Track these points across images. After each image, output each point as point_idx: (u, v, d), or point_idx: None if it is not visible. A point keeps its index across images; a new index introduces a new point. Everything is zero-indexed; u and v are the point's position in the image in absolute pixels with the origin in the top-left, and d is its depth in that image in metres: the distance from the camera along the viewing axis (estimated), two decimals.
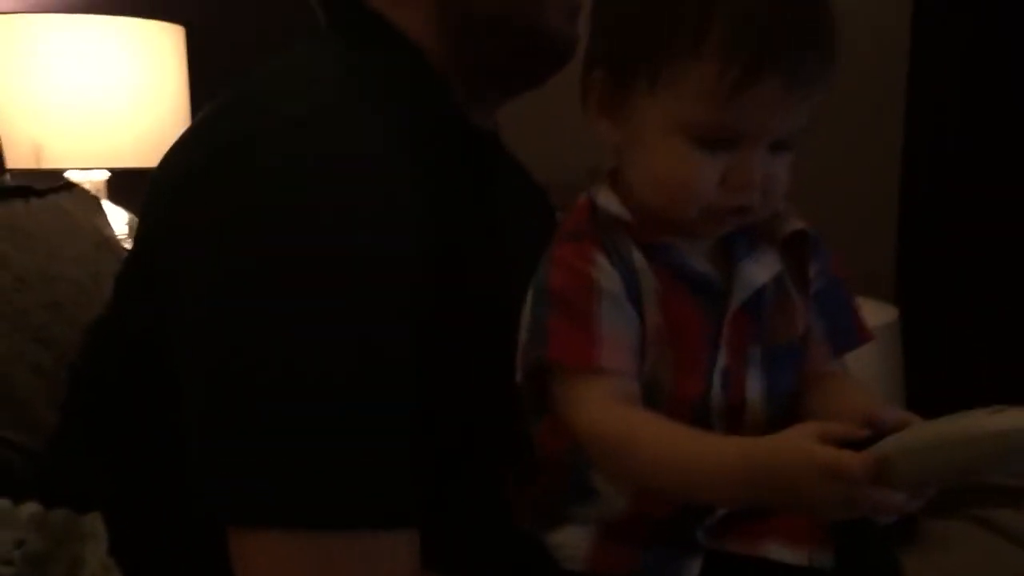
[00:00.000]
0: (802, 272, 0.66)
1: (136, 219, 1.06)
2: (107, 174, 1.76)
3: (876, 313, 1.91)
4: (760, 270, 0.64)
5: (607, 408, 0.59)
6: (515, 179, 0.85)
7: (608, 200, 0.64)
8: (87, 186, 1.67)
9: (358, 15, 0.75)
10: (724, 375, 0.62)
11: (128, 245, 1.15)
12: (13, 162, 1.61)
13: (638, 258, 0.62)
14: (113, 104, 1.67)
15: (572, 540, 0.63)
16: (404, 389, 0.62)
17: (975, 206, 2.05)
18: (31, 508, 0.70)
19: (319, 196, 0.61)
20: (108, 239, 1.15)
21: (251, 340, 0.60)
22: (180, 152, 0.69)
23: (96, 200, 1.23)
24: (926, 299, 2.06)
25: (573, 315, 0.60)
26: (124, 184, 1.76)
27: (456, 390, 0.65)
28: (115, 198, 1.73)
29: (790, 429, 0.55)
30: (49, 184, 1.14)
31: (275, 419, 0.60)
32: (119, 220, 1.58)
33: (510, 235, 0.74)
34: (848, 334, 0.68)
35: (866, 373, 1.86)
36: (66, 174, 1.71)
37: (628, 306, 0.61)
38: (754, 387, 0.63)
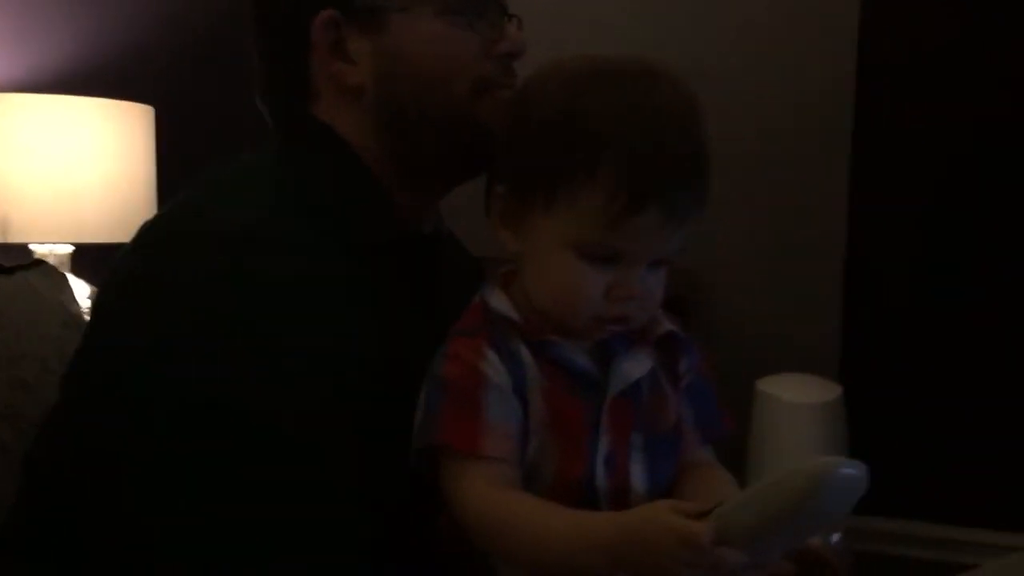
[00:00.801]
0: (673, 368, 0.73)
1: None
2: (71, 248, 1.79)
3: (821, 390, 1.98)
4: (635, 366, 0.71)
5: (488, 492, 0.65)
6: (455, 272, 0.90)
7: (499, 302, 0.71)
8: (51, 259, 1.70)
9: (303, 122, 0.81)
10: (608, 460, 0.69)
11: None
12: None
13: (525, 353, 0.69)
14: (81, 180, 1.70)
15: None
16: (336, 484, 0.67)
17: (918, 283, 2.12)
18: None
19: (250, 314, 0.66)
20: (74, 316, 1.17)
21: (182, 441, 0.64)
22: (125, 257, 0.74)
23: (63, 277, 1.26)
24: (870, 375, 2.12)
25: (462, 404, 0.66)
26: (88, 258, 1.78)
27: (380, 479, 0.69)
28: (79, 271, 1.75)
29: (652, 504, 0.62)
30: (16, 261, 1.17)
31: (204, 516, 0.64)
32: (83, 294, 1.60)
33: (442, 326, 0.79)
34: (714, 424, 0.76)
35: (812, 448, 1.92)
36: (31, 247, 1.73)
37: (513, 398, 0.67)
38: (637, 472, 0.70)
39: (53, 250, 1.74)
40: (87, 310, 1.49)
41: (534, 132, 0.69)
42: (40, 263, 1.23)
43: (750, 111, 2.14)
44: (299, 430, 0.66)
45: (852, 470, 0.55)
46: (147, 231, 0.75)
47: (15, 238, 1.67)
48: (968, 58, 2.02)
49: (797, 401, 1.93)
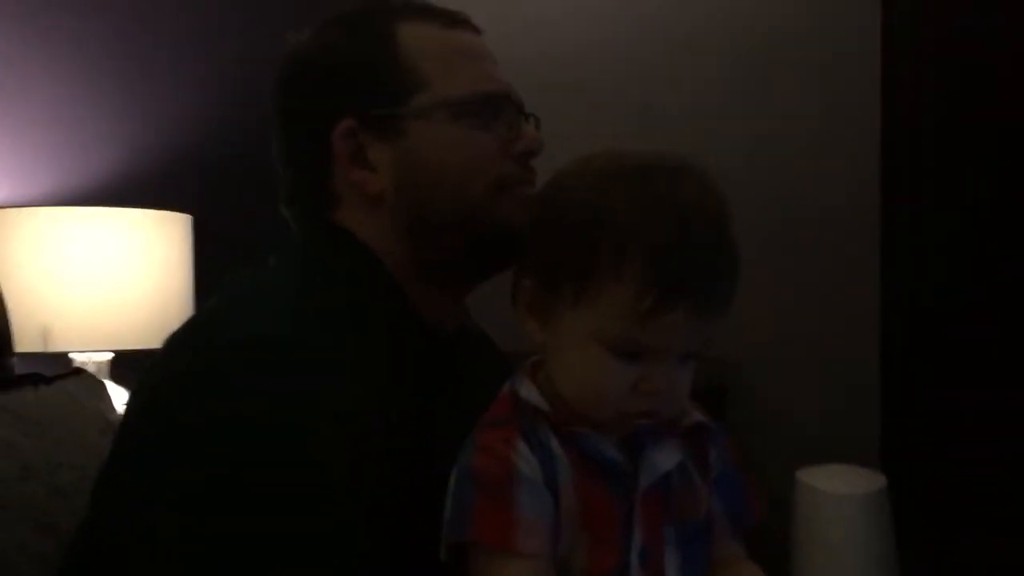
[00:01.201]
0: (703, 459, 0.73)
1: None
2: (110, 355, 1.82)
3: (865, 480, 1.93)
4: (665, 458, 0.70)
5: None
6: (481, 367, 0.90)
7: (529, 392, 0.71)
8: (91, 366, 1.72)
9: (325, 228, 0.83)
10: (642, 553, 0.67)
11: None
12: (21, 346, 1.66)
13: (555, 445, 0.68)
14: (119, 289, 1.73)
15: None
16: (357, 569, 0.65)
17: (955, 371, 2.10)
18: None
19: (277, 418, 0.66)
20: (112, 424, 1.19)
21: (216, 545, 0.64)
22: (152, 369, 0.75)
23: (101, 384, 1.28)
24: (912, 465, 2.08)
25: (494, 498, 0.66)
26: (128, 364, 1.81)
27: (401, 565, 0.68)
28: (118, 379, 1.77)
29: None
30: (56, 370, 1.19)
31: None
32: (121, 400, 1.62)
33: (465, 426, 0.79)
34: (745, 513, 0.75)
35: (857, 540, 1.86)
36: (71, 355, 1.76)
37: (545, 491, 0.66)
38: (672, 563, 0.69)
39: (92, 358, 1.77)
40: None
41: (561, 228, 0.70)
42: (80, 371, 1.25)
43: (778, 199, 2.16)
44: (332, 543, 0.65)
45: None
46: (176, 338, 0.76)
47: (56, 347, 1.70)
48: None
49: (839, 492, 1.89)
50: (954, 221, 2.09)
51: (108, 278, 1.72)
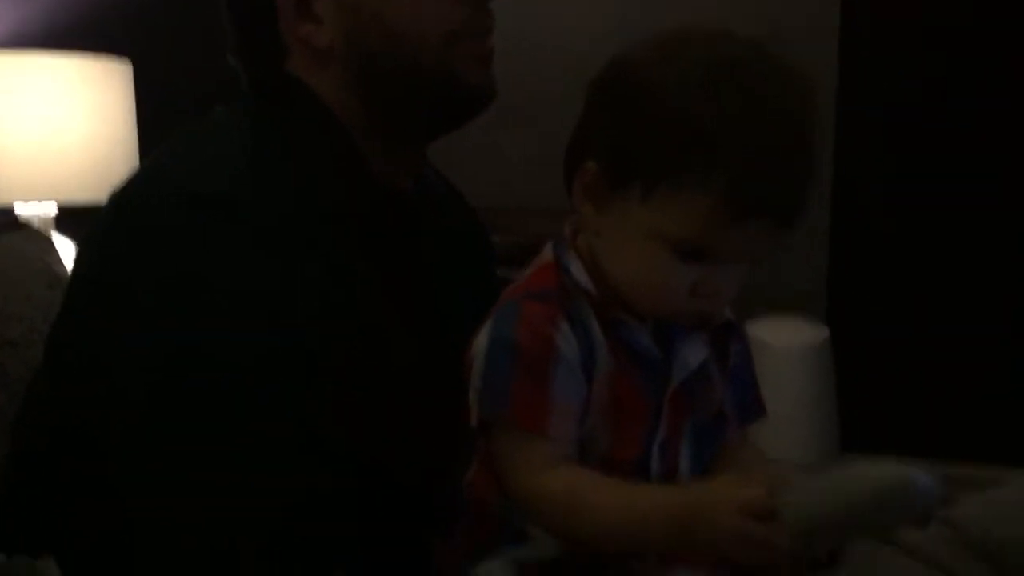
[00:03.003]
0: (723, 353, 0.72)
1: None
2: (55, 208, 1.77)
3: (808, 332, 1.99)
4: (694, 352, 0.69)
5: (547, 470, 0.64)
6: (443, 225, 0.88)
7: (580, 272, 0.68)
8: (35, 220, 1.68)
9: (276, 78, 0.79)
10: (663, 445, 0.68)
11: None
12: None
13: (596, 330, 0.66)
14: (61, 139, 1.68)
15: (498, 570, 0.67)
16: (330, 452, 0.66)
17: (904, 227, 2.13)
18: None
19: (229, 276, 0.65)
20: (59, 277, 1.17)
21: (168, 417, 0.64)
22: (99, 224, 0.73)
23: (48, 239, 1.25)
24: (856, 318, 2.14)
25: (533, 377, 0.64)
26: (72, 218, 1.77)
27: (379, 442, 0.69)
28: (64, 232, 1.74)
29: (718, 478, 0.63)
30: (1, 225, 1.17)
31: (197, 488, 0.63)
32: (68, 254, 1.59)
33: (432, 287, 0.78)
34: (753, 409, 0.75)
35: (800, 391, 1.94)
36: (14, 206, 1.71)
37: (580, 375, 0.65)
38: (686, 456, 0.69)
39: (37, 213, 1.73)
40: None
41: (644, 119, 0.64)
42: (25, 226, 1.22)
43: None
44: (279, 390, 0.65)
45: (928, 481, 0.53)
46: (120, 195, 0.73)
47: None
48: None
49: (784, 344, 1.95)
50: (915, 95, 2.08)
51: (45, 126, 1.66)
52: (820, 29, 2.12)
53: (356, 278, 0.71)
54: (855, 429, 2.03)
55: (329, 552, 0.65)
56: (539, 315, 0.65)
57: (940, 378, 2.11)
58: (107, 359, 0.67)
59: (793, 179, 0.63)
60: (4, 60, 1.64)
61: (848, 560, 1.14)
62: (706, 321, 0.69)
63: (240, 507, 0.64)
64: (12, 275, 1.08)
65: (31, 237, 1.19)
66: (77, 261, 0.76)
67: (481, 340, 0.67)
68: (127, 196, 0.72)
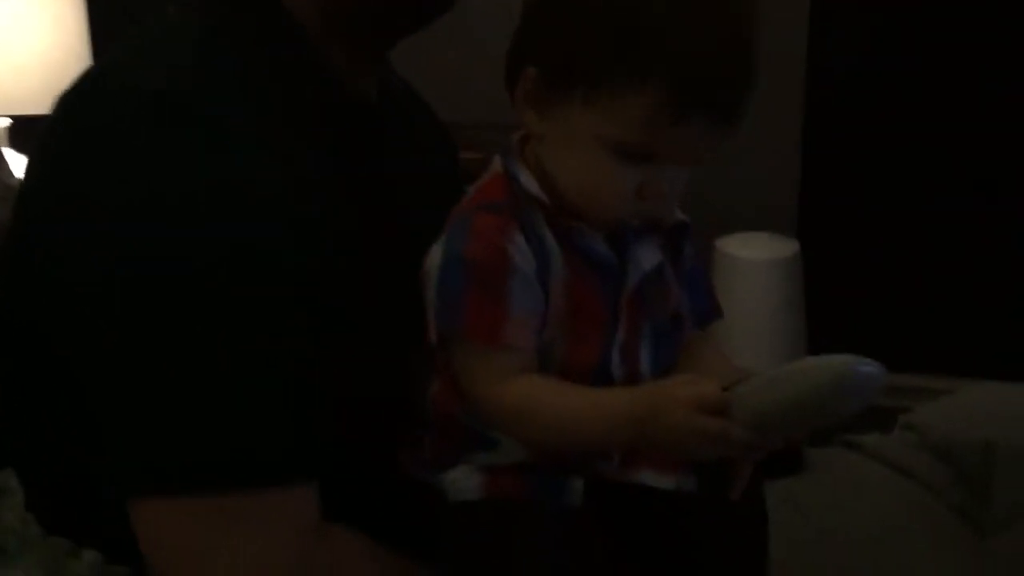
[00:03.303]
0: (677, 256, 0.72)
1: None
2: (7, 121, 1.72)
3: (779, 246, 2.00)
4: (648, 255, 0.69)
5: (507, 380, 0.64)
6: (409, 135, 0.85)
7: (529, 181, 0.67)
8: None
9: None
10: (623, 349, 0.68)
11: None
12: None
13: (550, 238, 0.66)
14: (12, 51, 1.63)
15: (465, 475, 0.68)
16: (294, 351, 0.65)
17: (874, 143, 2.13)
18: None
19: (184, 178, 0.63)
20: (11, 189, 1.14)
21: (131, 316, 0.62)
22: (54, 120, 0.70)
23: None
24: (825, 233, 2.15)
25: (487, 290, 0.64)
26: (25, 131, 1.73)
27: (344, 351, 0.67)
28: (17, 146, 1.70)
29: (674, 376, 0.64)
30: None
31: (163, 388, 0.62)
32: (21, 168, 1.55)
33: (398, 199, 0.75)
34: (707, 311, 0.76)
35: (771, 302, 1.96)
36: None
37: (537, 285, 0.65)
38: (646, 359, 0.69)
39: None
40: None
41: (581, 22, 0.64)
42: None
43: None
44: (243, 286, 0.63)
45: (872, 369, 0.54)
46: (67, 99, 0.70)
47: None
48: None
49: (754, 258, 1.96)
50: (887, 9, 2.06)
51: None
52: None
53: (314, 179, 0.69)
54: (823, 340, 2.06)
55: (291, 457, 0.65)
56: (491, 227, 0.65)
57: (906, 292, 2.14)
58: (64, 265, 0.65)
59: (733, 76, 0.63)
60: None
61: (811, 464, 1.16)
62: (656, 223, 0.69)
63: (205, 407, 0.63)
64: None
65: None
66: (28, 168, 0.73)
67: (434, 255, 0.66)
68: (74, 100, 0.69)
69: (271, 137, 0.67)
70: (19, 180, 1.21)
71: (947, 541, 1.03)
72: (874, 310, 2.16)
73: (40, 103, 1.65)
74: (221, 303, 0.63)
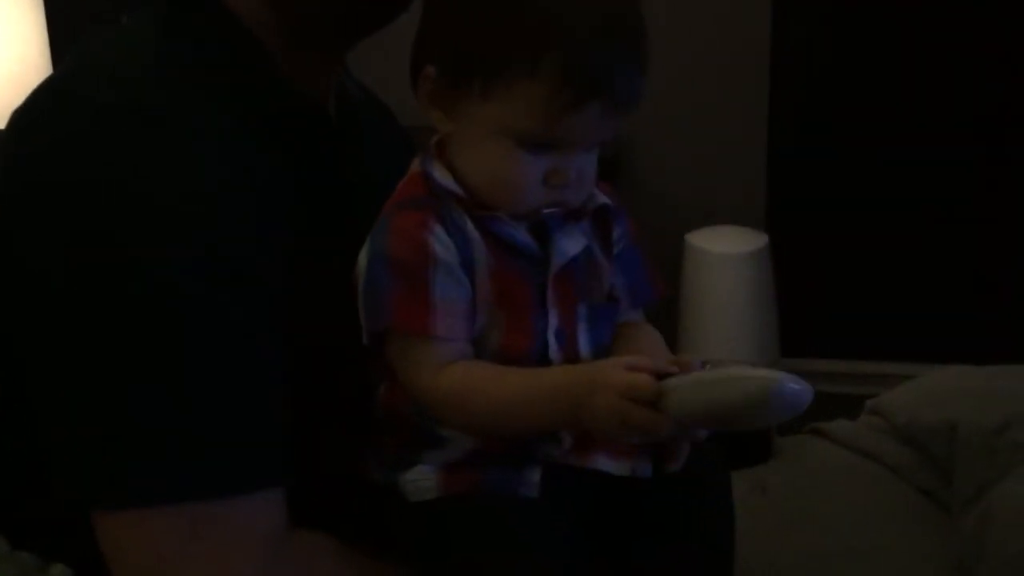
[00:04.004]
0: (607, 238, 0.74)
1: None
2: None
3: (748, 239, 2.02)
4: (572, 242, 0.70)
5: (442, 369, 0.65)
6: (365, 139, 0.85)
7: (443, 176, 0.69)
8: None
9: None
10: (558, 333, 0.69)
11: None
12: None
13: (471, 228, 0.67)
14: None
15: (422, 474, 0.68)
16: (256, 358, 0.65)
17: (840, 136, 2.15)
18: None
19: (134, 187, 0.63)
20: None
21: (89, 328, 0.62)
22: (9, 131, 0.68)
23: None
24: (794, 225, 2.17)
25: (411, 284, 0.65)
26: None
27: (303, 356, 0.67)
28: None
29: (609, 358, 0.64)
30: None
31: (124, 398, 0.62)
32: None
33: (354, 206, 0.76)
34: (645, 289, 0.76)
35: (741, 295, 1.97)
36: None
37: (462, 274, 0.66)
38: (584, 341, 0.70)
39: None
40: None
41: (471, 16, 0.65)
42: None
43: None
44: (206, 297, 0.63)
45: (799, 388, 0.56)
46: (24, 112, 0.70)
47: None
48: None
49: (724, 251, 1.98)
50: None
51: None
52: None
53: (272, 187, 0.69)
54: (793, 331, 2.08)
55: (255, 464, 0.65)
56: (411, 222, 0.66)
57: (873, 282, 2.16)
58: (23, 280, 0.64)
59: (623, 60, 0.65)
60: None
61: (780, 452, 1.18)
62: (576, 210, 0.70)
63: (166, 416, 0.62)
64: None
65: None
66: None
67: (361, 257, 0.67)
68: (28, 114, 0.69)
69: (227, 145, 0.67)
70: None
71: (915, 521, 1.04)
72: (842, 301, 2.18)
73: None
74: (182, 312, 0.62)
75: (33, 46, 1.68)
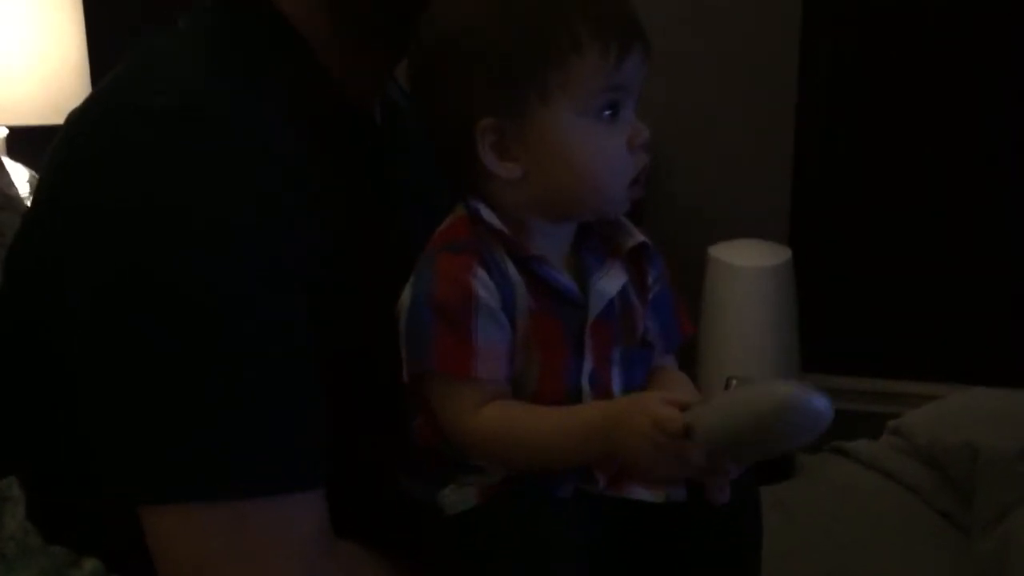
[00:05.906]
0: (642, 280, 0.74)
1: (36, 176, 1.06)
2: (5, 131, 1.73)
3: (771, 253, 2.02)
4: (610, 283, 0.71)
5: (480, 409, 0.66)
6: (411, 148, 0.85)
7: (490, 216, 0.69)
8: None
9: None
10: (592, 377, 0.70)
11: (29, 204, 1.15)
12: None
13: (513, 272, 0.68)
14: (9, 61, 1.63)
15: (457, 490, 0.69)
16: (303, 362, 0.66)
17: (865, 150, 2.15)
18: None
19: (194, 195, 0.64)
20: (11, 199, 1.15)
21: (141, 326, 0.63)
22: (64, 139, 0.70)
23: None
24: (817, 240, 2.16)
25: (454, 328, 0.66)
26: (23, 141, 1.73)
27: (347, 368, 0.69)
28: (15, 155, 1.70)
29: (642, 392, 0.66)
30: None
31: (174, 395, 0.63)
32: (20, 178, 1.57)
33: (400, 215, 0.77)
34: (675, 334, 0.77)
35: (763, 309, 1.97)
36: None
37: (503, 317, 0.67)
38: (617, 386, 0.71)
39: None
40: (26, 195, 1.46)
41: (499, 47, 0.67)
42: None
43: None
44: (247, 313, 0.64)
45: (819, 402, 0.55)
46: (81, 114, 0.71)
47: None
48: None
49: (747, 265, 1.97)
50: (881, 18, 2.07)
51: None
52: None
53: (323, 197, 0.70)
54: (815, 347, 2.08)
55: (300, 463, 0.66)
56: (455, 265, 0.67)
57: (896, 299, 2.15)
58: (74, 278, 0.65)
59: (632, 16, 0.70)
60: None
61: (801, 470, 1.18)
62: (637, 186, 0.72)
63: (215, 414, 0.63)
64: None
65: None
66: (39, 186, 0.74)
67: (404, 296, 0.68)
68: (85, 118, 0.70)
69: (282, 152, 0.68)
70: (18, 190, 1.23)
71: (934, 543, 1.04)
72: (865, 317, 2.17)
73: (38, 113, 1.66)
74: (234, 312, 0.64)
75: (72, 48, 1.70)
